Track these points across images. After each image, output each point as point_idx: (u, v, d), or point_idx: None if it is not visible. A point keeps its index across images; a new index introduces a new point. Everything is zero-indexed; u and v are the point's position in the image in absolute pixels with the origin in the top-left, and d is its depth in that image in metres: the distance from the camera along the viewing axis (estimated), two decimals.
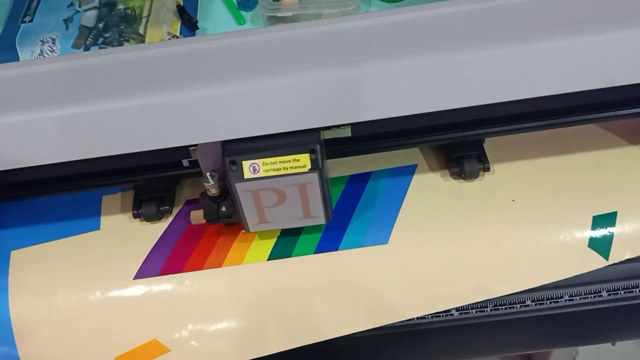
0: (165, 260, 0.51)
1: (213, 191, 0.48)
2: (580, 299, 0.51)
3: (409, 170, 0.55)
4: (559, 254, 0.50)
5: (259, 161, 0.43)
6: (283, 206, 0.46)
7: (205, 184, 0.48)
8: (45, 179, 0.51)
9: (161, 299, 0.50)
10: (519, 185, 0.53)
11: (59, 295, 0.50)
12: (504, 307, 0.51)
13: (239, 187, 0.44)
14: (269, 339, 0.50)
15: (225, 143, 0.44)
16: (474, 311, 0.51)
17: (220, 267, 0.51)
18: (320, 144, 0.43)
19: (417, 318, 0.51)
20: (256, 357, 0.50)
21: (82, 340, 0.50)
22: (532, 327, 0.53)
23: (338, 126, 0.45)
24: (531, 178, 0.53)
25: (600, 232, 0.50)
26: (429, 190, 0.53)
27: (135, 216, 0.54)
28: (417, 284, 0.50)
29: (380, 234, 0.51)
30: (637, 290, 0.51)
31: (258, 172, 0.43)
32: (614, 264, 0.50)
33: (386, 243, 0.50)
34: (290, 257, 0.51)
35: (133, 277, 0.51)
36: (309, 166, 0.43)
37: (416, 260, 0.50)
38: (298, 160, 0.43)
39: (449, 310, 0.51)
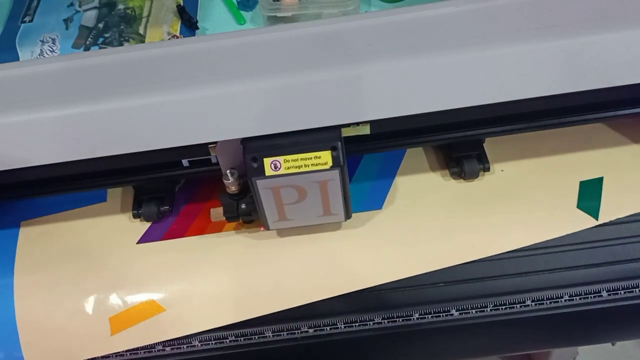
0: (169, 226, 0.54)
1: (232, 188, 0.49)
2: (580, 299, 0.51)
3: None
4: (548, 215, 0.51)
5: (281, 158, 0.43)
6: (303, 203, 0.46)
7: (225, 181, 0.48)
8: (45, 179, 0.51)
9: (161, 262, 0.52)
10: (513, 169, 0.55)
11: (63, 262, 0.52)
12: (504, 307, 0.51)
13: (260, 184, 0.44)
14: (263, 300, 0.51)
15: (245, 140, 0.44)
16: (474, 311, 0.51)
17: (221, 232, 0.52)
18: (341, 141, 0.43)
19: (418, 318, 0.51)
20: (249, 318, 0.51)
21: (78, 301, 0.51)
22: (532, 327, 0.53)
23: (357, 124, 0.45)
24: (521, 152, 0.56)
25: (588, 195, 0.52)
26: (422, 172, 0.56)
27: (135, 216, 0.54)
28: (410, 246, 0.51)
29: (375, 200, 0.53)
30: (637, 290, 0.51)
31: (279, 169, 0.43)
32: (614, 262, 0.50)
33: (380, 209, 0.53)
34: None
35: (136, 242, 0.53)
36: (330, 163, 0.43)
37: (409, 223, 0.52)
38: (319, 157, 0.43)
39: (449, 310, 0.51)
